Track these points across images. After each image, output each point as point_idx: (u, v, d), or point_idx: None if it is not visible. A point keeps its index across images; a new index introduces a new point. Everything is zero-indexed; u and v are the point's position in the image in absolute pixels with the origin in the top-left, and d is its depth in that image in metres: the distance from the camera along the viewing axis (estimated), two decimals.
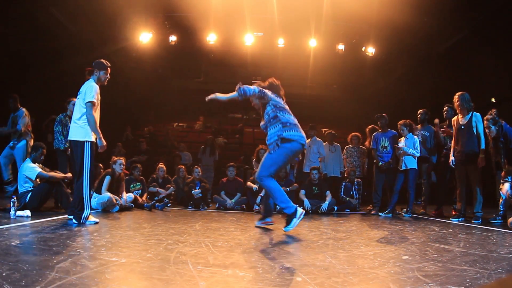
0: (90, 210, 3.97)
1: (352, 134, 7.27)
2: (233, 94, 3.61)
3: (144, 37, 9.88)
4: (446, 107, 5.87)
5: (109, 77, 4.08)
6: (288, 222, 3.69)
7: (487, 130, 4.78)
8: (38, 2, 7.35)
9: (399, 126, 5.94)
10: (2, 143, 6.07)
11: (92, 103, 3.83)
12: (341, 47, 10.50)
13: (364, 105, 12.38)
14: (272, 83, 4.00)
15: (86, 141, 3.88)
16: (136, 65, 11.24)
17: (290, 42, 10.45)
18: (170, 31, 10.16)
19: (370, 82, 12.82)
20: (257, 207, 6.13)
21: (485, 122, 4.78)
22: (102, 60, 4.05)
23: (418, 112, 6.25)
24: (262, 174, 3.71)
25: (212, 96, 3.66)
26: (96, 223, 3.92)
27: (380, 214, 5.86)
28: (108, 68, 4.06)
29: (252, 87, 3.66)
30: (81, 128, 3.90)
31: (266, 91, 3.77)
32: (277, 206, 5.95)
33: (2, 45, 7.06)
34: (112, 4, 7.72)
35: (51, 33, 7.99)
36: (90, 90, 3.85)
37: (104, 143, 3.96)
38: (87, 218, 3.90)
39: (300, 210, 3.70)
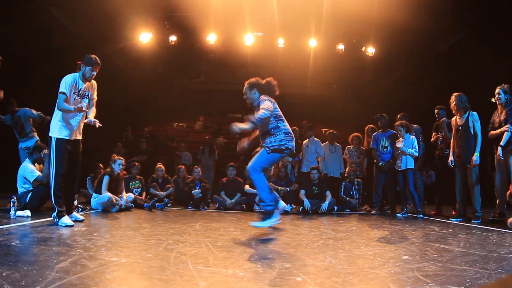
0: (61, 209, 3.76)
1: (353, 134, 7.27)
2: (250, 125, 3.66)
3: (144, 37, 9.87)
4: (437, 110, 5.91)
5: (94, 74, 3.90)
6: (263, 219, 3.68)
7: (496, 96, 4.74)
8: (38, 2, 7.34)
9: (396, 127, 5.95)
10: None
11: (61, 94, 3.74)
12: (341, 47, 10.49)
13: (364, 105, 12.36)
14: (270, 82, 4.00)
15: (52, 136, 3.83)
16: (136, 65, 11.24)
17: (290, 42, 10.44)
18: (170, 31, 10.16)
19: (370, 82, 12.81)
20: (257, 207, 6.13)
21: (497, 89, 4.74)
22: (93, 56, 3.88)
23: (398, 117, 6.24)
24: (255, 166, 3.75)
25: (236, 128, 3.65)
26: (71, 226, 3.66)
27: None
28: (95, 65, 3.87)
29: (264, 112, 3.65)
30: (52, 123, 3.87)
31: (270, 105, 3.77)
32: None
33: (2, 45, 7.06)
34: (112, 4, 7.71)
35: (51, 33, 7.99)
36: (60, 83, 3.79)
37: (76, 106, 3.70)
38: (58, 217, 3.73)
39: (278, 215, 3.68)
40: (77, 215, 4.14)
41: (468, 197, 5.12)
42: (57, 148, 3.80)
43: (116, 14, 8.37)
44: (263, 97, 3.87)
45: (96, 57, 3.91)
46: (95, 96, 4.09)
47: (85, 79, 3.89)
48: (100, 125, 3.88)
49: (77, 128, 3.97)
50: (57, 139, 3.82)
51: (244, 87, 4.03)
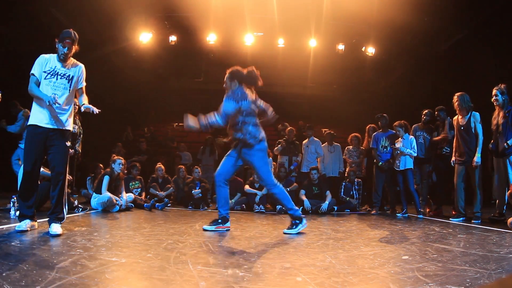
0: (20, 211, 3.37)
1: (352, 135, 7.27)
2: (201, 124, 3.73)
3: (144, 37, 9.88)
4: (437, 112, 5.87)
5: (67, 52, 3.30)
6: (292, 226, 3.74)
7: (494, 98, 4.76)
8: (38, 2, 7.35)
9: (394, 127, 5.94)
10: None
11: (31, 76, 3.27)
12: (341, 47, 10.50)
13: (364, 105, 12.37)
14: (251, 72, 3.88)
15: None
16: (136, 65, 11.25)
17: (290, 42, 10.45)
18: (170, 31, 10.17)
19: (370, 82, 12.82)
20: (257, 207, 6.13)
21: (494, 90, 4.75)
22: (67, 30, 3.32)
23: (424, 113, 6.14)
24: (269, 182, 3.80)
25: (186, 125, 3.72)
26: (20, 231, 3.18)
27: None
28: (65, 40, 3.27)
29: (215, 119, 3.73)
30: None
31: (229, 108, 3.70)
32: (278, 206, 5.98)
33: (2, 45, 7.06)
34: (112, 4, 7.72)
35: (51, 33, 7.98)
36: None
37: (48, 96, 3.17)
38: (19, 220, 3.35)
39: (304, 220, 3.82)
40: (55, 228, 3.26)
41: (468, 196, 5.12)
42: (26, 137, 3.34)
43: (116, 14, 8.38)
44: (239, 90, 3.75)
45: (72, 31, 3.32)
46: (84, 83, 3.51)
47: (59, 57, 3.34)
48: (99, 110, 3.36)
49: (58, 115, 3.33)
50: (28, 126, 3.33)
51: (225, 76, 3.89)
